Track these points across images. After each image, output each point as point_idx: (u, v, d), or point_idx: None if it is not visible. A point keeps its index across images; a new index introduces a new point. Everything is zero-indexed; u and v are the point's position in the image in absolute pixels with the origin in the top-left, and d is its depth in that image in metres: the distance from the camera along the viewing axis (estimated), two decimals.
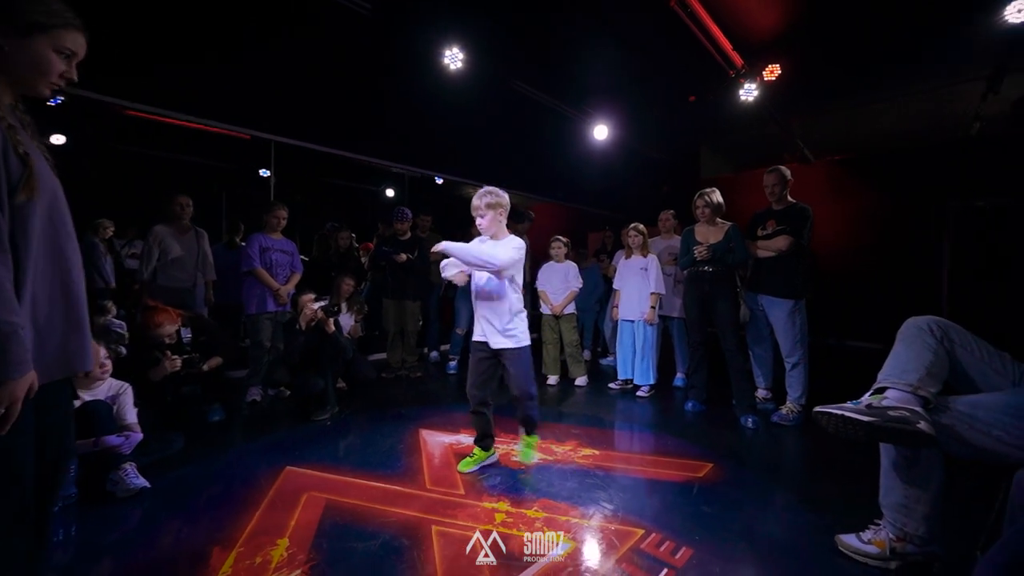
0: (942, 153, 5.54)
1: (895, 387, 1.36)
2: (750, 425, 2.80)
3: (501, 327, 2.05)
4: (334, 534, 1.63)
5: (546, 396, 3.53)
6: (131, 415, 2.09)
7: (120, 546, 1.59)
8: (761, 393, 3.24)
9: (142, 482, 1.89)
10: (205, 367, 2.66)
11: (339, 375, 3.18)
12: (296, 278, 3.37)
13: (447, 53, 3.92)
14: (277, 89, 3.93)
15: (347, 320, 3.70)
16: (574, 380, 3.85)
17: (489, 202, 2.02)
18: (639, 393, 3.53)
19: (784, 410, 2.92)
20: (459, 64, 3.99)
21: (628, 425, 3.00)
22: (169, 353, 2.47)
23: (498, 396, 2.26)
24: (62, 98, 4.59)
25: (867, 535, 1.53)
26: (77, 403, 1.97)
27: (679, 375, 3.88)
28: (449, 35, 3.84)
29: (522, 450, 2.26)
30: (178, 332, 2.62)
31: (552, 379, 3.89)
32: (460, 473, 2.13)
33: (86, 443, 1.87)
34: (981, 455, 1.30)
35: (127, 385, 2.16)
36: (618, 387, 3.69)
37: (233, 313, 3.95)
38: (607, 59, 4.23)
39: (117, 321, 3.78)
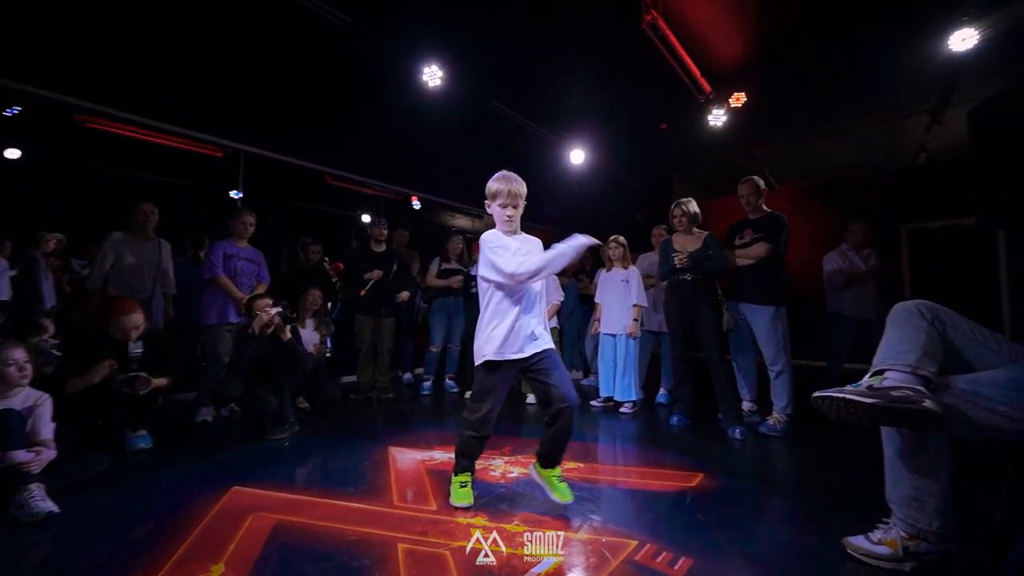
0: (895, 180, 5.88)
1: (894, 368, 1.30)
2: (738, 436, 2.69)
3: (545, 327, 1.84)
4: (281, 556, 1.39)
5: (525, 415, 3.35)
6: (47, 430, 1.80)
7: None
8: (746, 405, 3.16)
9: (50, 506, 1.60)
10: (143, 391, 2.28)
11: (299, 392, 2.91)
12: (262, 288, 3.14)
13: (426, 70, 3.95)
14: (250, 101, 3.85)
15: (311, 336, 3.46)
16: None
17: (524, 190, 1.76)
18: (622, 410, 3.38)
19: (771, 420, 2.83)
20: (437, 81, 4.02)
21: (611, 439, 2.84)
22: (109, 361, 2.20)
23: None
24: (18, 109, 4.38)
25: (876, 535, 1.41)
26: None
27: (662, 391, 3.77)
28: (428, 52, 3.88)
29: (556, 486, 1.76)
30: (125, 347, 2.34)
31: (531, 397, 3.71)
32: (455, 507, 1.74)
33: None
34: (987, 433, 1.23)
35: (47, 396, 1.88)
36: (600, 404, 3.55)
37: (193, 331, 3.67)
38: (583, 81, 4.36)
39: (52, 341, 3.45)
